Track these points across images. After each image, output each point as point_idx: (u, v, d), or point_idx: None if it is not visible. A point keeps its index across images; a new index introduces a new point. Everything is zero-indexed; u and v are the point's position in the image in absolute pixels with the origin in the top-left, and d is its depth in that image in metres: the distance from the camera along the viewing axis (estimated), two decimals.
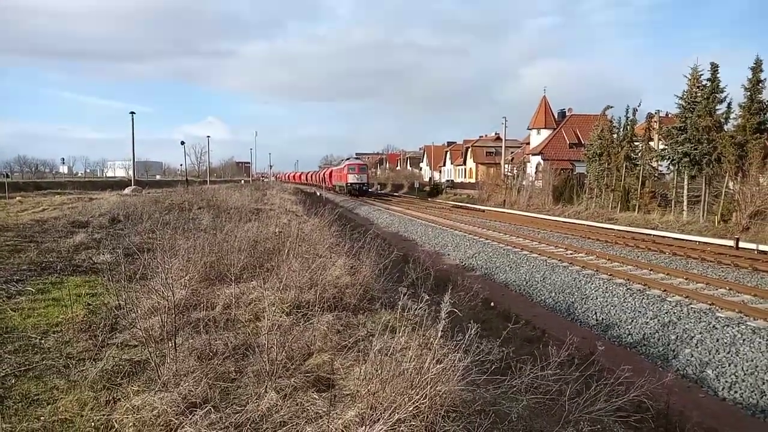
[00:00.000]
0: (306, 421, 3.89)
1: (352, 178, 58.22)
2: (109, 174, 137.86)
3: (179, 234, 11.03)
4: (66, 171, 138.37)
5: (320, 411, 4.00)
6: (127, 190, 38.24)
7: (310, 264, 7.98)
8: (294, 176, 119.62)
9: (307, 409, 4.08)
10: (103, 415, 4.05)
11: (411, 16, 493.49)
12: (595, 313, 11.58)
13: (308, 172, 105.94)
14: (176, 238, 10.32)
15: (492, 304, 11.47)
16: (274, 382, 4.47)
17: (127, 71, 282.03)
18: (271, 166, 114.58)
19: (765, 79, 22.92)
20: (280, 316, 6.18)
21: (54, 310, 6.95)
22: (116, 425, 3.86)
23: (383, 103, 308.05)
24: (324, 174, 79.61)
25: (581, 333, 10.19)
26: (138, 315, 6.26)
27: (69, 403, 4.25)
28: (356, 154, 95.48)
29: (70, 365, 5.00)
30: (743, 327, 9.28)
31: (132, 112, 46.61)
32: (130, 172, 60.65)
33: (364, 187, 58.92)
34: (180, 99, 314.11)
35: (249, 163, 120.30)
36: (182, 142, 74.12)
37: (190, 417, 3.85)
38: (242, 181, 73.39)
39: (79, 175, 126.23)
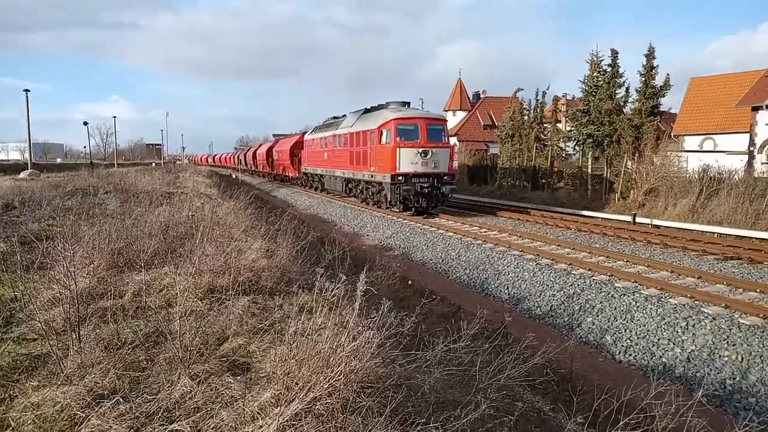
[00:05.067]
0: (221, 406, 3.85)
1: (411, 162, 20.58)
2: (2, 157, 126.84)
3: (83, 220, 10.40)
4: None
5: (236, 394, 3.97)
6: (22, 174, 35.34)
7: (225, 248, 7.81)
8: (210, 159, 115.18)
9: (222, 394, 4.03)
10: None
11: None
12: (508, 288, 12.13)
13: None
14: (80, 224, 9.73)
15: (410, 282, 11.74)
16: (187, 369, 4.37)
17: (17, 43, 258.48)
18: (183, 148, 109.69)
19: (657, 65, 24.71)
20: (194, 302, 6.02)
21: None
22: (12, 423, 3.63)
23: (302, 83, 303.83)
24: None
25: (494, 307, 10.66)
26: (37, 306, 5.87)
27: None
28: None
29: None
30: (637, 295, 10.08)
31: (26, 90, 42.88)
32: (26, 155, 56.03)
33: (444, 188, 21.08)
34: (81, 75, 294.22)
35: (160, 144, 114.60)
36: (85, 123, 68.00)
37: (96, 409, 3.70)
38: (153, 164, 69.91)
39: None
